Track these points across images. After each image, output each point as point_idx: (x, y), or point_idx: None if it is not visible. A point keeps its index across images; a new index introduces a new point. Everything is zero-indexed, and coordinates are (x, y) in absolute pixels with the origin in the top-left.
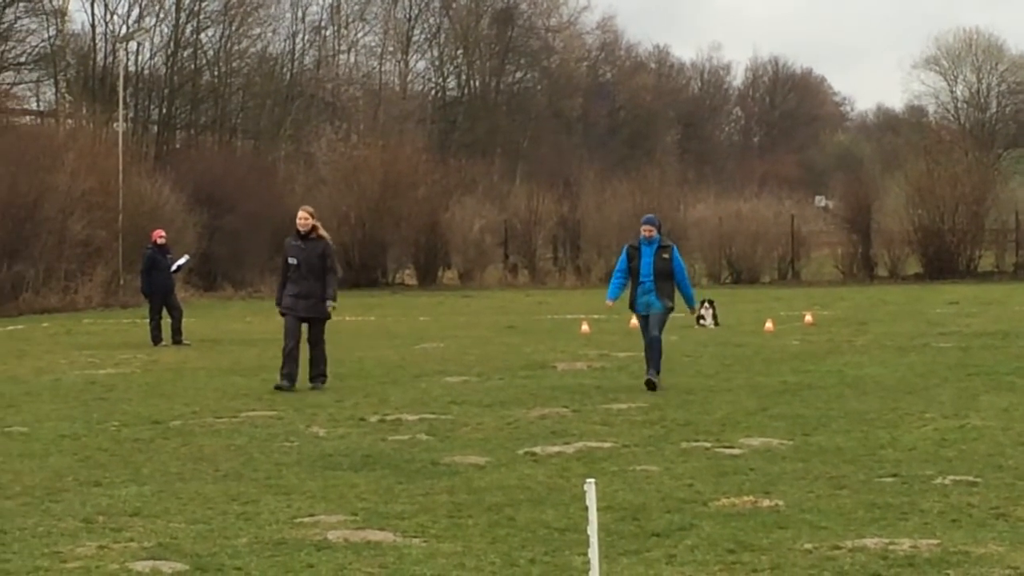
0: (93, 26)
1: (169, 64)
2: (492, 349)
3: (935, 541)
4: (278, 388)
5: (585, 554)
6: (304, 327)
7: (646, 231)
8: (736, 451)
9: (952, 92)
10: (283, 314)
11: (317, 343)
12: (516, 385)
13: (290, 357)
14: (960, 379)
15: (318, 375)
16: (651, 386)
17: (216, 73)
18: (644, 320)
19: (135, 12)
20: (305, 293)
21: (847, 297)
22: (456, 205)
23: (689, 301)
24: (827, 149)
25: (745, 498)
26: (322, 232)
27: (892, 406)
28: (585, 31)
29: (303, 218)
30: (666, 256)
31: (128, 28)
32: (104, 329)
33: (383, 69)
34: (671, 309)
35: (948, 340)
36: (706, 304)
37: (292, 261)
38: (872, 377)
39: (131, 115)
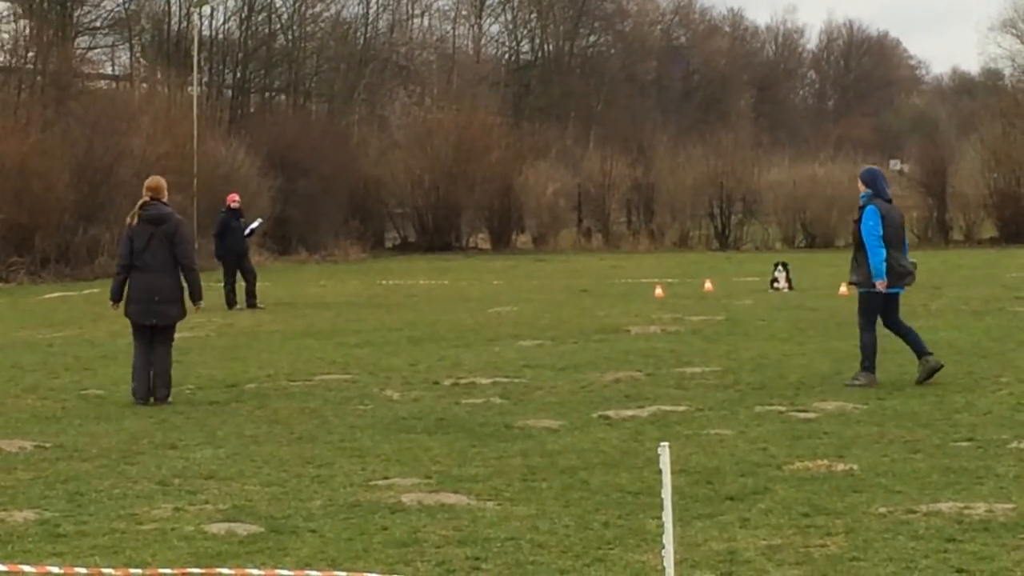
0: None
1: (243, 28)
2: (566, 313)
3: (1010, 505)
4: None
5: (659, 517)
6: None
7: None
8: (810, 415)
9: None
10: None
11: (167, 354)
12: (590, 349)
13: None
14: None
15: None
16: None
17: (290, 37)
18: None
19: None
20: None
21: (922, 261)
22: (529, 169)
23: (875, 273)
24: (902, 113)
25: (819, 462)
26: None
27: (967, 370)
28: None
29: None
30: (854, 219)
31: None
32: None
33: (457, 33)
34: (860, 286)
35: None
36: (780, 267)
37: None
38: (947, 341)
39: (205, 79)
